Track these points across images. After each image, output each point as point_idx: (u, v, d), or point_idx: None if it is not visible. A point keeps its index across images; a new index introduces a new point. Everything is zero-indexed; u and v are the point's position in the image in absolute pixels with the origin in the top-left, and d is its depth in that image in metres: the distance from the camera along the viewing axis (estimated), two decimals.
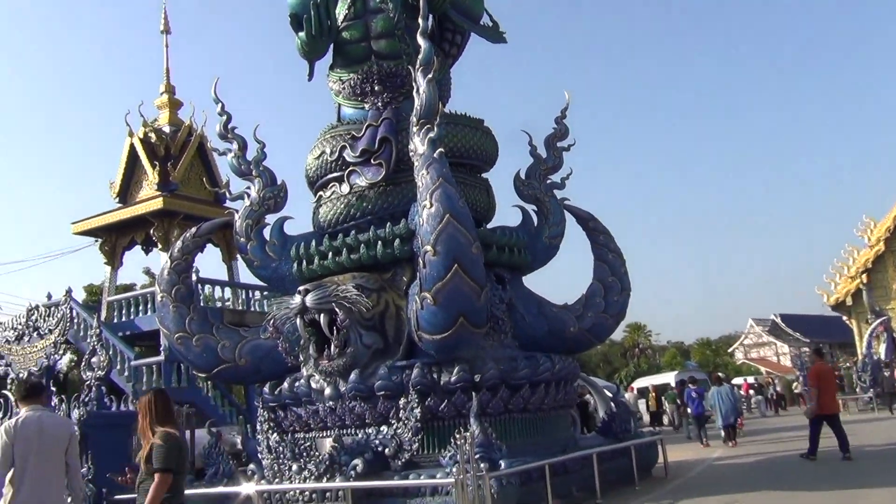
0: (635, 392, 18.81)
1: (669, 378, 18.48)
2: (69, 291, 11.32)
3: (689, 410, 11.00)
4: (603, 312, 6.62)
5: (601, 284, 6.71)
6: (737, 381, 22.93)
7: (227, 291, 16.75)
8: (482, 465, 4.23)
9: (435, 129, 5.16)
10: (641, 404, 18.05)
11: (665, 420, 16.49)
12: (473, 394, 5.10)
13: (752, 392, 21.21)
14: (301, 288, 5.50)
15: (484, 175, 6.56)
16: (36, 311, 8.56)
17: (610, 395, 8.65)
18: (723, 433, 9.96)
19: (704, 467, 7.43)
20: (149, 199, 16.17)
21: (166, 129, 17.29)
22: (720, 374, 13.25)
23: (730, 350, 39.90)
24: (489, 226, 6.45)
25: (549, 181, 6.70)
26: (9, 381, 8.78)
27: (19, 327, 8.59)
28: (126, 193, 17.23)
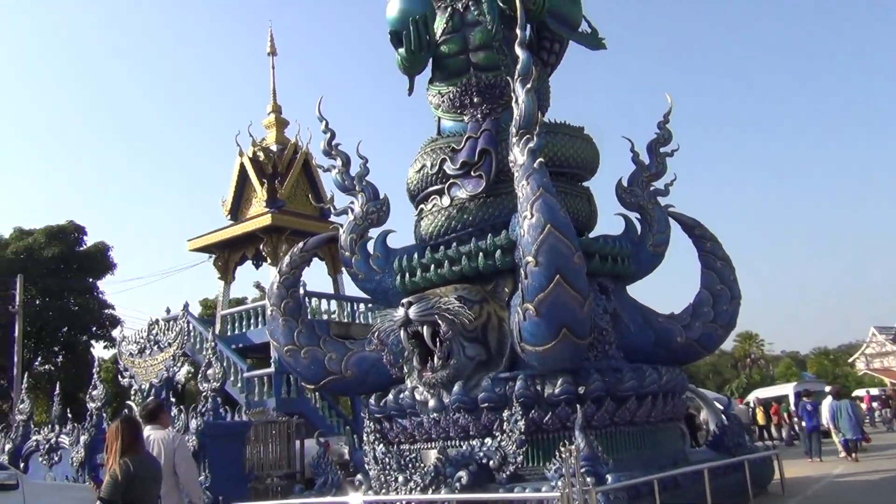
0: (751, 403, 18.03)
1: (787, 389, 17.66)
2: (186, 306, 11.88)
3: (803, 424, 10.51)
4: (712, 322, 6.40)
5: (709, 293, 6.49)
6: (859, 392, 21.70)
7: (333, 304, 17.16)
8: (588, 479, 4.15)
9: (535, 139, 5.12)
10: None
11: (782, 434, 15.79)
12: (578, 406, 5.01)
13: (875, 405, 20.06)
14: (404, 300, 5.56)
15: (585, 183, 6.47)
16: (156, 326, 9.01)
17: (721, 407, 8.35)
18: (841, 449, 9.45)
19: (824, 484, 7.06)
20: (258, 215, 16.78)
21: (274, 147, 17.92)
22: (838, 386, 12.57)
23: (850, 360, 37.84)
24: (591, 235, 6.35)
25: (652, 188, 6.54)
26: (132, 391, 9.28)
27: (141, 341, 9.07)
28: (237, 211, 17.94)
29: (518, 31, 5.30)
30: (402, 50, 5.93)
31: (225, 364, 13.29)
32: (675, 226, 6.63)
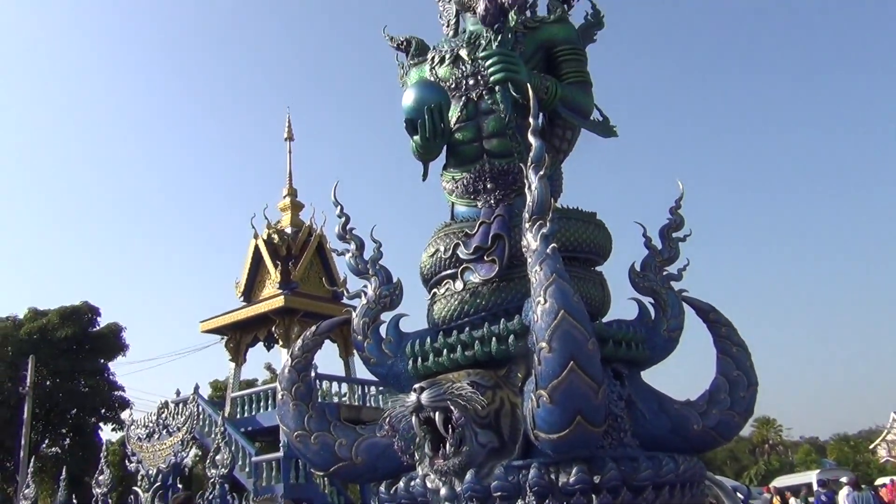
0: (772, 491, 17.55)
1: (810, 477, 17.20)
2: (196, 389, 11.84)
3: None
4: (729, 409, 6.28)
5: (725, 379, 6.39)
6: (882, 480, 21.07)
7: (344, 387, 17.02)
8: None
9: (547, 224, 5.16)
10: None
11: None
12: (593, 496, 4.89)
13: None
14: (416, 385, 5.50)
15: (598, 268, 6.47)
16: (166, 409, 8.97)
17: (741, 496, 8.13)
18: None
19: None
20: (271, 297, 16.88)
21: (288, 230, 18.17)
22: (856, 476, 12.25)
23: (871, 447, 36.93)
24: (604, 320, 6.31)
25: (665, 273, 6.53)
26: (139, 477, 9.15)
27: (150, 425, 9.01)
28: (250, 292, 18.07)
29: (531, 120, 5.39)
30: (417, 137, 6.04)
31: (233, 448, 13.13)
32: (690, 310, 6.59)
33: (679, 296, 6.51)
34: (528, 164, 5.41)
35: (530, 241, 5.31)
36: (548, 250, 5.07)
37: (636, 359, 6.22)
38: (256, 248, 18.02)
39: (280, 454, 13.37)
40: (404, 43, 6.95)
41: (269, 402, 15.59)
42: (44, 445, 29.78)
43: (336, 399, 17.21)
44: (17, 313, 30.40)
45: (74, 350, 29.31)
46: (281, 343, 17.09)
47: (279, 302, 16.51)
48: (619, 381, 5.94)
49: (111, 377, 30.98)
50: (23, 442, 22.53)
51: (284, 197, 19.30)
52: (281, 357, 17.68)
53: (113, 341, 30.66)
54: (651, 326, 6.40)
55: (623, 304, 6.75)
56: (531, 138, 5.40)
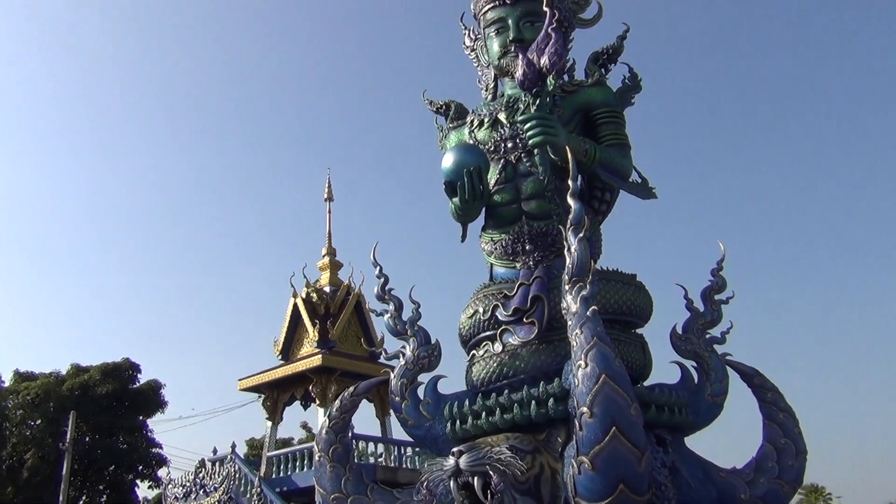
0: None
1: None
2: (233, 448, 11.82)
3: None
4: (777, 478, 6.06)
5: (773, 447, 6.19)
6: None
7: (381, 447, 16.85)
8: None
9: (587, 287, 5.12)
10: None
11: None
12: None
13: None
14: (455, 449, 5.42)
15: (638, 331, 6.38)
16: (203, 469, 8.95)
17: None
18: None
19: None
20: (309, 356, 16.90)
21: (327, 289, 18.28)
22: None
23: None
24: (646, 383, 6.19)
25: (708, 336, 6.41)
26: None
27: (187, 485, 9.00)
28: (288, 351, 18.13)
29: (570, 182, 5.40)
30: (456, 199, 6.07)
31: None
32: (735, 375, 6.43)
33: (723, 359, 6.36)
34: (568, 226, 5.39)
35: (570, 303, 5.26)
36: (588, 313, 5.01)
37: (680, 424, 6.07)
38: (295, 306, 18.17)
39: None
40: (444, 107, 7.07)
41: (306, 461, 15.51)
42: (80, 502, 29.84)
43: (372, 459, 17.05)
44: (60, 369, 30.90)
45: (114, 406, 29.57)
46: (318, 402, 17.06)
47: (317, 361, 16.55)
48: (662, 448, 5.79)
49: (149, 434, 31.14)
50: (60, 498, 22.62)
51: (324, 256, 19.51)
52: (318, 416, 17.64)
53: (152, 398, 30.89)
54: (694, 391, 6.25)
55: (665, 368, 6.64)
56: (570, 200, 5.39)
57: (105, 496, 30.23)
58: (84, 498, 30.25)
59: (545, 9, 6.01)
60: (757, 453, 6.22)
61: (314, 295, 18.03)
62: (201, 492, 8.74)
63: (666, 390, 6.00)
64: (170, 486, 10.12)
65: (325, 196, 20.17)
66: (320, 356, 16.55)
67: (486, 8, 6.75)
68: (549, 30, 5.89)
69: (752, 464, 6.17)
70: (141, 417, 30.66)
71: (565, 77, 6.65)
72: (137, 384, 30.64)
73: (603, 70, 6.68)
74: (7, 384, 30.34)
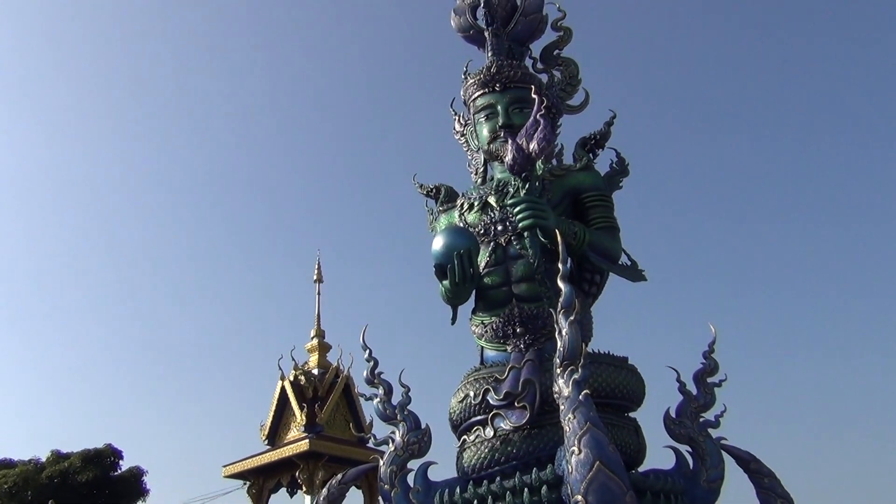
0: None
1: None
2: None
3: None
4: None
5: None
6: None
7: None
8: None
9: (579, 370, 5.08)
10: None
11: None
12: None
13: None
14: None
15: (631, 415, 6.31)
16: None
17: None
18: None
19: None
20: (296, 440, 16.58)
21: (315, 371, 18.10)
22: None
23: None
24: (641, 469, 6.09)
25: (702, 419, 6.33)
26: None
27: None
28: (274, 436, 17.82)
29: (560, 265, 5.42)
30: (446, 282, 6.08)
31: None
32: (730, 459, 6.33)
33: (718, 444, 6.28)
34: (559, 309, 5.38)
35: (562, 387, 5.20)
36: (580, 397, 4.96)
37: None
38: (283, 389, 17.93)
39: None
40: (434, 190, 7.15)
41: None
42: None
43: None
44: (39, 456, 30.12)
45: (94, 495, 28.75)
46: (304, 489, 16.65)
47: (304, 446, 16.24)
48: None
49: None
50: None
51: (312, 338, 19.38)
52: (304, 503, 17.17)
53: (134, 485, 30.08)
54: (690, 477, 6.13)
55: (659, 453, 6.52)
56: (560, 283, 5.41)
57: None
58: None
59: (534, 96, 6.18)
60: None
61: (302, 378, 17.82)
62: None
63: (661, 476, 5.88)
64: None
65: (315, 277, 20.17)
66: (308, 441, 16.25)
67: (476, 95, 6.92)
68: (538, 116, 6.03)
69: None
70: None
71: (554, 162, 6.78)
72: (119, 471, 29.91)
73: (591, 155, 6.83)
74: None
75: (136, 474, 30.07)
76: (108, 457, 29.51)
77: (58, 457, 29.43)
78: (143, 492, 29.95)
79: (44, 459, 29.65)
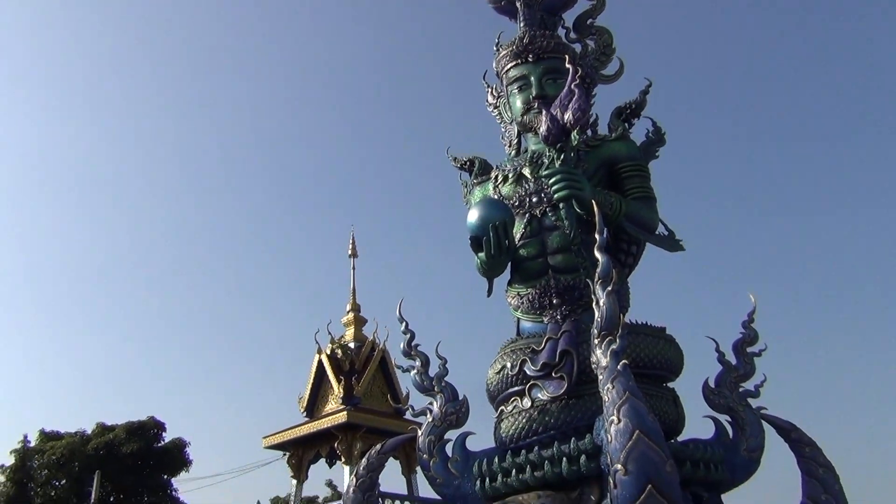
0: None
1: None
2: None
3: None
4: None
5: (813, 503, 6.02)
6: None
7: None
8: None
9: (617, 341, 5.07)
10: None
11: None
12: None
13: None
14: None
15: (670, 385, 6.28)
16: None
17: None
18: None
19: None
20: (334, 412, 16.80)
21: (351, 345, 18.29)
22: None
23: None
24: (679, 439, 6.08)
25: (741, 389, 6.29)
26: None
27: None
28: (313, 408, 18.07)
29: (596, 236, 5.39)
30: (482, 254, 6.08)
31: None
32: (771, 429, 6.29)
33: (758, 413, 6.24)
34: (596, 279, 5.36)
35: (600, 357, 5.21)
36: (619, 367, 4.95)
37: (716, 481, 5.91)
38: (320, 362, 18.15)
39: None
40: (468, 163, 7.13)
41: None
42: None
43: None
44: (85, 428, 30.93)
45: (139, 465, 29.47)
46: (343, 460, 16.91)
47: (342, 417, 16.46)
48: None
49: (174, 493, 30.92)
50: None
51: (348, 312, 19.55)
52: (343, 474, 17.46)
53: (177, 457, 30.78)
54: (730, 446, 6.11)
55: (697, 423, 6.50)
56: (597, 254, 5.38)
57: None
58: None
59: (567, 66, 6.10)
60: None
61: (339, 351, 18.01)
62: None
63: (701, 446, 5.87)
64: None
65: (350, 252, 20.31)
66: (345, 413, 16.46)
67: (509, 66, 6.86)
68: (573, 86, 5.96)
69: None
70: (166, 476, 30.52)
71: (589, 132, 6.71)
72: (162, 443, 30.60)
73: (626, 124, 6.73)
74: (33, 444, 30.41)
75: (179, 445, 30.74)
76: (151, 429, 30.20)
77: (103, 429, 30.19)
78: (186, 462, 30.64)
79: (90, 431, 30.44)
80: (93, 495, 23.56)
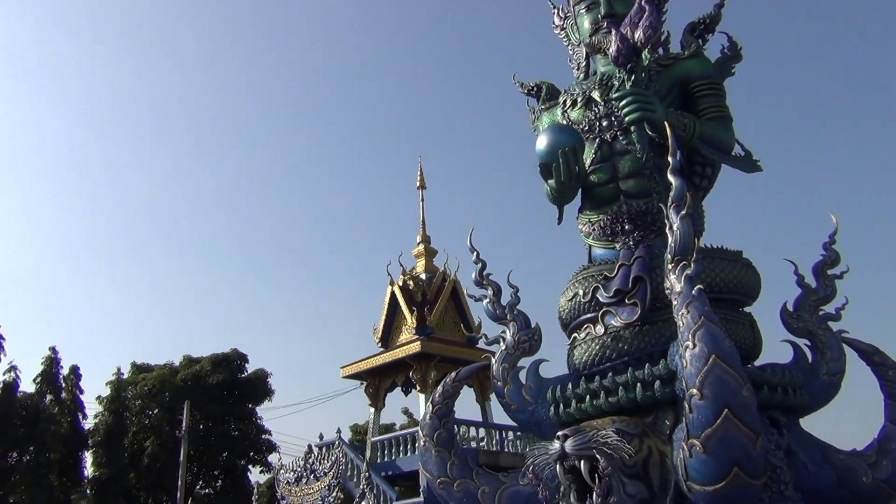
0: None
1: None
2: (339, 433, 12.13)
3: None
4: None
5: None
6: None
7: (482, 431, 16.95)
8: None
9: (692, 265, 4.97)
10: None
11: None
12: None
13: None
14: (560, 433, 5.38)
15: (746, 309, 6.16)
16: (312, 454, 9.24)
17: None
18: None
19: None
20: (408, 342, 17.13)
21: (423, 276, 18.47)
22: None
23: None
24: (757, 363, 5.98)
25: (821, 312, 6.13)
26: None
27: (298, 469, 9.31)
28: (387, 338, 18.43)
29: (669, 158, 5.25)
30: (551, 181, 5.99)
31: (376, 493, 13.31)
32: (852, 353, 6.13)
33: (839, 337, 6.08)
34: (669, 203, 5.24)
35: (674, 283, 5.12)
36: (694, 292, 4.87)
37: (794, 405, 5.83)
38: (393, 294, 18.44)
39: (420, 499, 13.45)
40: (535, 88, 6.97)
41: (409, 446, 15.79)
42: (198, 487, 31.28)
43: (473, 444, 17.18)
44: (173, 360, 32.42)
45: (225, 395, 30.81)
46: (418, 388, 17.28)
47: (416, 347, 16.77)
48: (776, 430, 5.57)
49: (259, 421, 32.30)
50: (179, 483, 23.78)
51: (418, 244, 19.70)
52: (419, 402, 17.89)
53: (260, 387, 32.02)
54: (809, 370, 6.00)
55: (775, 348, 6.38)
56: (671, 177, 5.24)
57: (220, 481, 31.59)
58: (201, 482, 31.72)
59: None
60: (879, 434, 5.91)
61: (411, 282, 18.25)
62: (311, 476, 9.03)
63: (779, 370, 5.77)
64: (281, 471, 10.53)
65: (418, 184, 20.33)
66: (419, 343, 16.75)
67: None
68: (643, 2, 5.74)
69: (873, 445, 5.87)
70: (250, 406, 31.85)
71: (660, 50, 6.46)
72: (245, 374, 31.83)
73: (700, 41, 6.44)
74: (126, 376, 32.07)
75: (262, 376, 31.97)
76: (234, 360, 31.45)
77: (190, 361, 31.58)
78: (268, 392, 31.88)
79: (177, 363, 31.89)
80: (184, 423, 24.80)
